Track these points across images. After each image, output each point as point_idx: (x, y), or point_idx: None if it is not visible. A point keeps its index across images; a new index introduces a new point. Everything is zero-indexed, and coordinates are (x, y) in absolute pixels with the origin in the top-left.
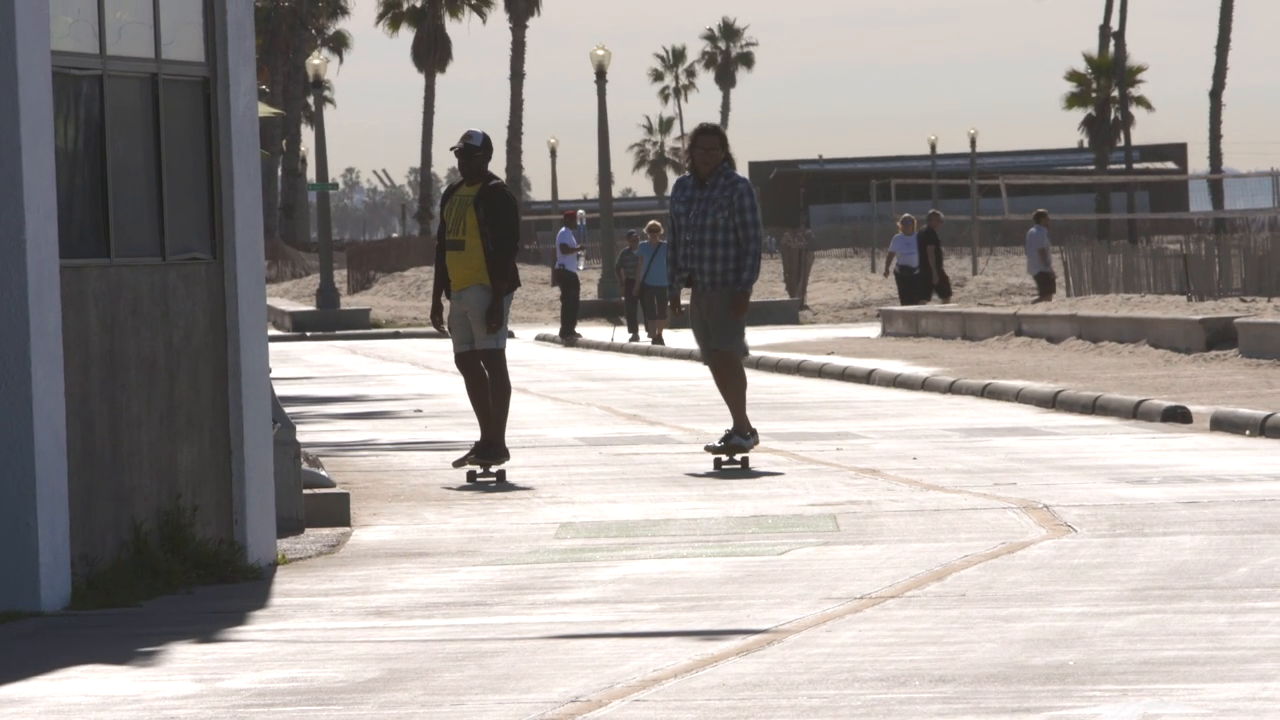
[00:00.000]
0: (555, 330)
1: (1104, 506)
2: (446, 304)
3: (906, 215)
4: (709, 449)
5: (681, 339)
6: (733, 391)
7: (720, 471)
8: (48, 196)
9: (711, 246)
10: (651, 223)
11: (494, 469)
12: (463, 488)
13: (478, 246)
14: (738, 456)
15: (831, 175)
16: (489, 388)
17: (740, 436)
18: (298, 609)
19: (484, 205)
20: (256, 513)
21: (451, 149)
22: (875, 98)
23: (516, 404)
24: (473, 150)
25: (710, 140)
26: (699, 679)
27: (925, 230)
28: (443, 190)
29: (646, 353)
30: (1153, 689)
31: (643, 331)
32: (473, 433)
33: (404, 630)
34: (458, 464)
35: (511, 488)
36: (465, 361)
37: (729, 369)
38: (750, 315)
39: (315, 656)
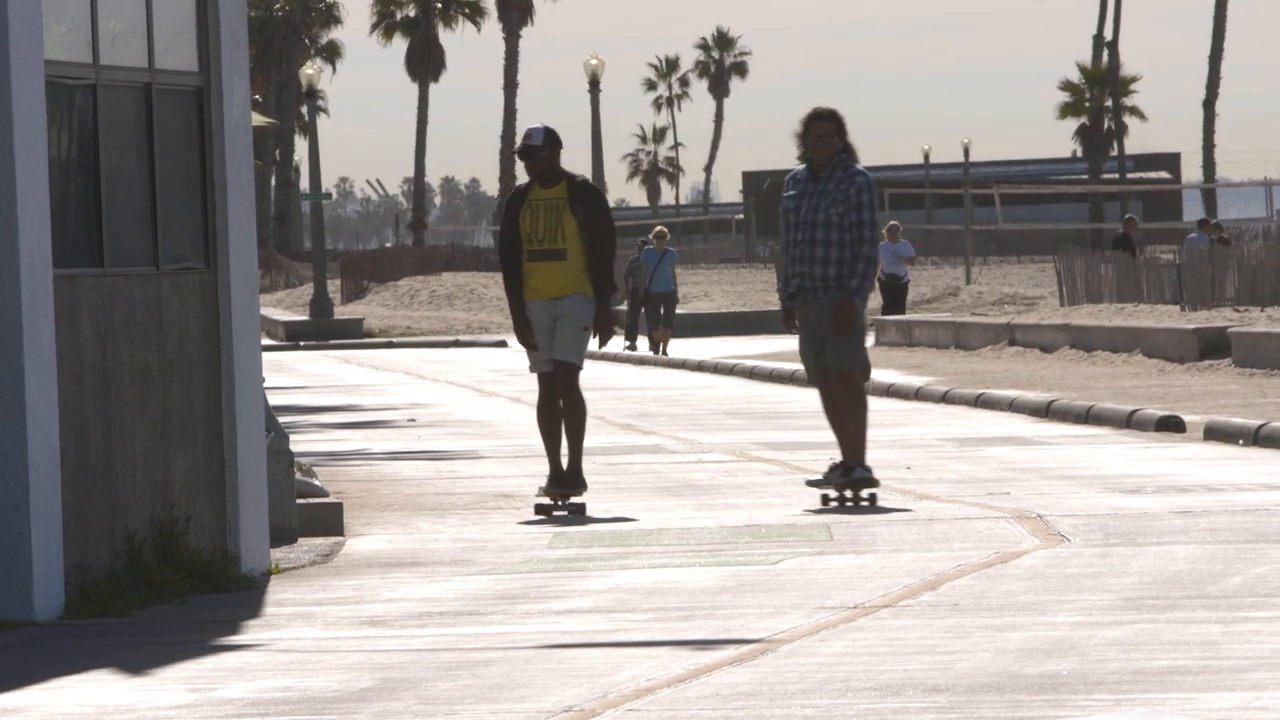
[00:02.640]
0: None
1: (1097, 516)
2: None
3: (893, 223)
4: (812, 483)
5: (684, 349)
6: (852, 421)
7: (712, 482)
8: (41, 206)
9: (825, 247)
10: (658, 229)
11: (574, 500)
12: (531, 521)
13: (579, 252)
14: (864, 492)
15: None
16: (564, 410)
17: (862, 469)
18: (291, 618)
19: (583, 207)
20: (250, 522)
21: (514, 153)
22: (868, 107)
23: (510, 412)
24: (535, 151)
25: (824, 127)
26: (692, 688)
27: (1121, 234)
28: (506, 197)
29: (640, 362)
30: (1146, 698)
31: (642, 341)
32: (469, 442)
33: (398, 640)
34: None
35: (590, 520)
36: (550, 381)
37: (848, 392)
38: (744, 324)
39: (309, 666)
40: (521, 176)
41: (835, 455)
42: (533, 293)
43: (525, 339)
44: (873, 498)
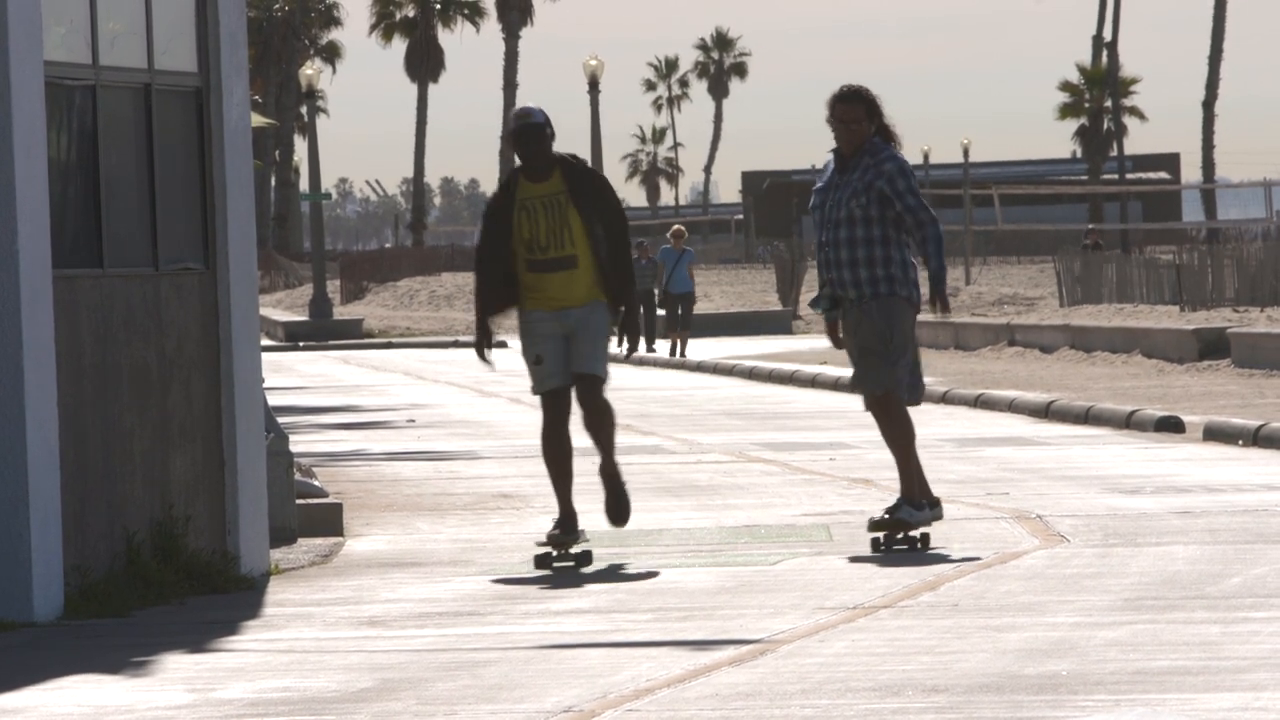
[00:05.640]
0: None
1: (1097, 516)
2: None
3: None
4: (871, 525)
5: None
6: (894, 448)
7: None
8: (41, 207)
9: (850, 247)
10: (676, 227)
11: (576, 549)
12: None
13: (591, 254)
14: (908, 534)
15: None
16: (587, 420)
17: (910, 507)
18: (291, 619)
19: (588, 198)
20: (249, 523)
21: (512, 132)
22: None
23: (509, 413)
24: (540, 130)
25: (850, 110)
26: (692, 689)
27: None
28: (490, 194)
29: (639, 363)
30: (1145, 699)
31: (661, 343)
32: (468, 442)
33: (397, 640)
34: (542, 545)
35: (581, 566)
36: (558, 402)
37: (884, 414)
38: (743, 325)
39: (308, 666)
40: None
41: (835, 455)
42: (536, 302)
43: (483, 352)
44: (924, 539)
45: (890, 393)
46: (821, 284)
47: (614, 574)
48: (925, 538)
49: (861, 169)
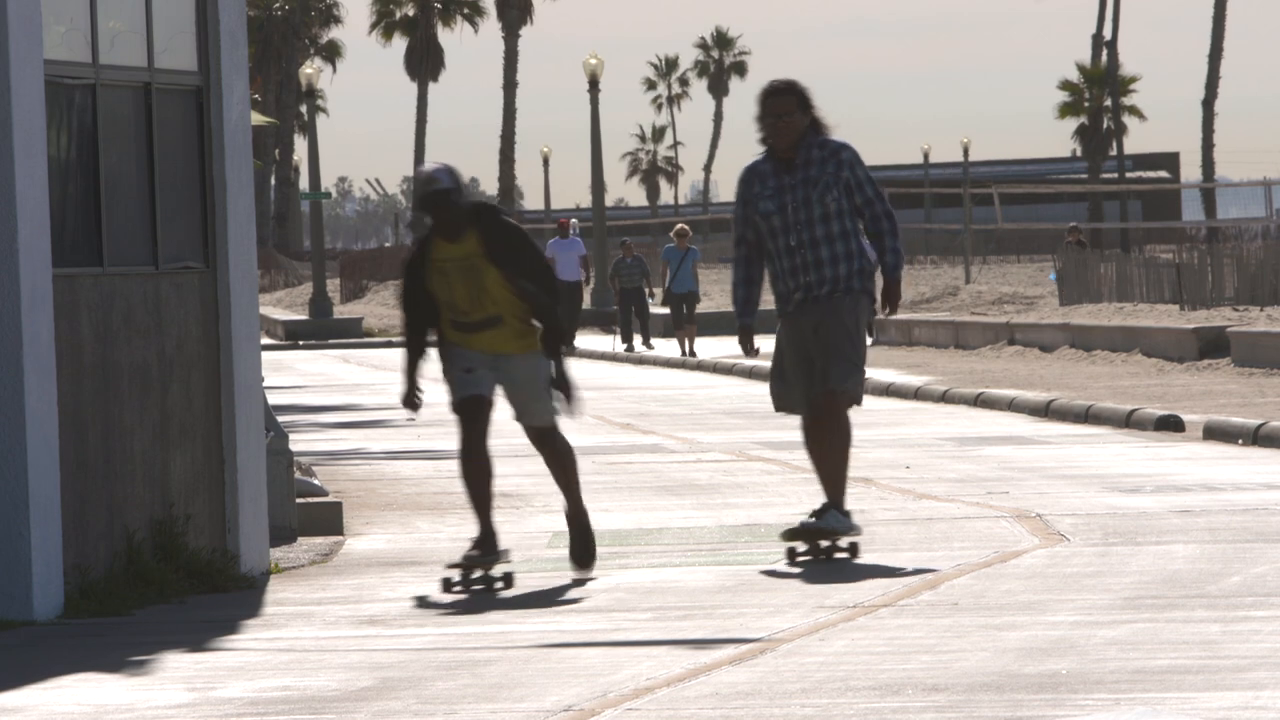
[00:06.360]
0: None
1: (1097, 515)
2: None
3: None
4: (787, 534)
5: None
6: (835, 451)
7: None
8: (41, 206)
9: (828, 244)
10: (679, 226)
11: (494, 572)
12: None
13: (516, 306)
14: (828, 542)
15: None
16: (547, 460)
17: (838, 513)
18: (291, 618)
19: (507, 256)
20: (249, 522)
21: (417, 199)
22: (868, 107)
23: (509, 411)
24: (445, 196)
25: (783, 102)
26: (692, 688)
27: None
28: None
29: (639, 362)
30: (1145, 698)
31: (662, 342)
32: None
33: (397, 639)
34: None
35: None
36: (477, 414)
37: (834, 419)
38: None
39: (308, 665)
40: (524, 175)
41: None
42: (468, 343)
43: (412, 403)
44: (852, 547)
45: (845, 393)
46: (791, 290)
47: (614, 573)
48: (854, 547)
49: (818, 162)
